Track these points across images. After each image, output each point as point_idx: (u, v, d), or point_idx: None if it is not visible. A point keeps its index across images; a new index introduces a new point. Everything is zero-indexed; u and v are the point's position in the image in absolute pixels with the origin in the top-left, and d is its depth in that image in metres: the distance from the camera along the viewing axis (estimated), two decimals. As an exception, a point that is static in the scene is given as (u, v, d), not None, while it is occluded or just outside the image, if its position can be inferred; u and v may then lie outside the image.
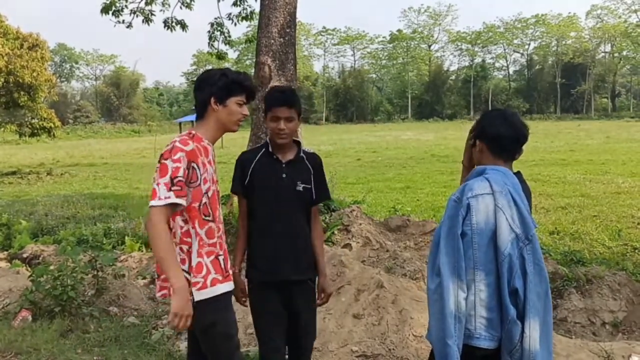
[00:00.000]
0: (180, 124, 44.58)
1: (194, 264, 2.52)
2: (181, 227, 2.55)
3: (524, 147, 2.49)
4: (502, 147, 2.41)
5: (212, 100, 2.63)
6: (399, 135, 41.94)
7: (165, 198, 2.40)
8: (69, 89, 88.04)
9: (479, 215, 2.21)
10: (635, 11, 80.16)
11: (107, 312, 4.97)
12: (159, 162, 2.48)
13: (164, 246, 2.41)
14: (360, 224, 7.41)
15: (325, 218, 7.62)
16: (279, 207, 2.97)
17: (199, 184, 2.51)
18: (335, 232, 7.31)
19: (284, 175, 2.98)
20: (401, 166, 20.30)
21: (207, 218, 2.57)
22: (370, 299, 4.18)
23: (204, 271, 2.54)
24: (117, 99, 78.38)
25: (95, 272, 5.19)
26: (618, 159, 19.98)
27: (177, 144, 2.49)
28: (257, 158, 3.03)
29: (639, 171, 16.13)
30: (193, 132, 2.63)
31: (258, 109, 8.15)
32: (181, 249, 2.55)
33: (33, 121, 24.66)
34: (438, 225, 2.32)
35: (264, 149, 3.05)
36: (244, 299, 3.09)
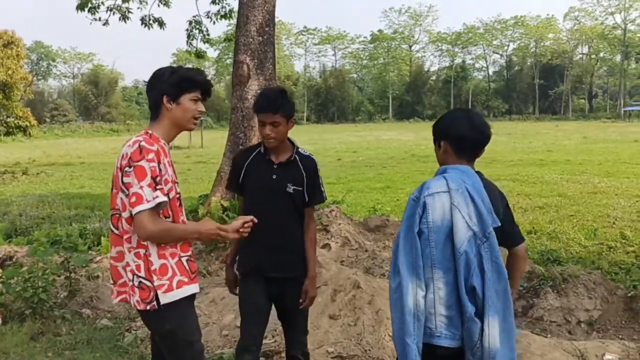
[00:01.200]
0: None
1: (157, 266, 2.44)
2: None
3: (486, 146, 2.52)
4: (465, 148, 2.42)
5: (165, 99, 2.52)
6: (379, 135, 42.06)
7: (154, 198, 2.34)
8: (46, 88, 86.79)
9: (435, 213, 2.22)
10: (612, 13, 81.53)
11: (79, 315, 4.86)
12: (129, 165, 2.37)
13: (176, 233, 2.47)
14: (340, 224, 7.39)
15: (304, 218, 7.56)
16: (269, 207, 3.01)
17: (163, 186, 2.44)
18: (314, 232, 7.27)
19: (274, 177, 3.03)
20: (381, 166, 20.32)
21: (167, 220, 2.50)
22: (346, 299, 4.16)
23: (170, 273, 2.47)
24: (96, 98, 77.33)
25: (68, 274, 5.09)
26: (594, 159, 20.23)
27: (144, 144, 2.41)
28: (250, 158, 3.09)
29: (614, 171, 16.35)
30: (150, 131, 2.54)
31: (236, 108, 8.09)
32: (137, 254, 2.46)
33: (8, 120, 24.26)
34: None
35: (258, 149, 3.10)
36: (235, 290, 3.20)
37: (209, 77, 2.75)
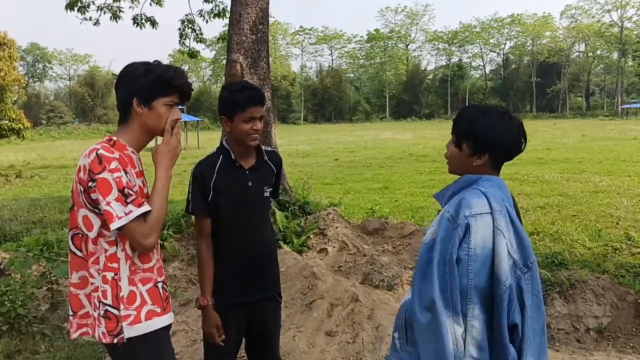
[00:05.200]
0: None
1: (124, 293, 2.10)
2: (106, 251, 2.11)
3: None
4: (509, 159, 2.06)
5: (135, 101, 2.16)
6: (377, 134, 41.84)
7: (127, 214, 2.00)
8: (42, 89, 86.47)
9: (477, 239, 1.84)
10: (609, 11, 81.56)
11: (60, 329, 4.58)
12: (91, 179, 2.03)
13: (163, 203, 2.15)
14: (337, 228, 7.16)
15: (301, 222, 7.35)
16: (249, 221, 2.70)
17: (136, 196, 2.09)
18: (311, 236, 7.04)
19: (250, 184, 2.69)
20: (379, 166, 20.09)
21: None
22: (344, 314, 3.87)
23: (138, 302, 2.13)
24: (92, 99, 77.03)
25: (50, 285, 4.82)
26: (594, 157, 20.06)
27: (102, 152, 2.06)
28: (217, 168, 2.66)
29: (615, 170, 16.16)
30: (114, 138, 2.19)
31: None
32: (104, 278, 2.10)
33: (1, 122, 24.00)
34: (423, 245, 1.96)
35: (222, 156, 2.70)
36: (220, 337, 2.66)
37: (190, 79, 2.41)
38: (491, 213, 1.87)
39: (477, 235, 1.84)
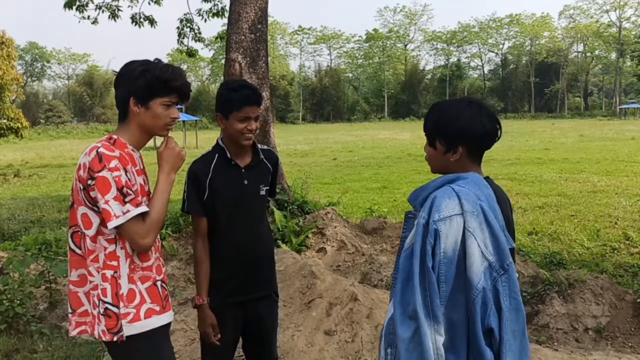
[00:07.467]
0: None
1: (124, 291, 2.11)
2: (105, 249, 2.11)
3: None
4: (483, 149, 2.00)
5: (132, 100, 2.16)
6: (375, 134, 41.85)
7: (125, 213, 2.02)
8: (40, 89, 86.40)
9: (447, 242, 1.78)
10: (607, 11, 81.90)
11: (59, 328, 4.57)
12: (91, 177, 2.05)
13: (162, 208, 2.17)
14: (335, 227, 7.15)
15: (299, 221, 7.35)
16: (245, 219, 2.69)
17: (134, 196, 2.10)
18: (310, 235, 7.04)
19: (245, 182, 2.68)
20: (378, 166, 20.09)
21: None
22: (343, 313, 3.86)
23: (137, 300, 2.13)
24: (90, 99, 76.99)
25: (49, 284, 4.81)
26: (592, 157, 20.07)
27: (102, 150, 2.07)
28: (212, 167, 2.66)
29: (613, 170, 16.18)
30: (114, 136, 2.20)
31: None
32: (104, 276, 2.11)
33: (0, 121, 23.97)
34: (403, 253, 1.89)
35: (217, 155, 2.69)
36: (217, 335, 2.66)
37: (189, 79, 2.40)
38: (462, 214, 1.81)
39: (447, 240, 1.79)
